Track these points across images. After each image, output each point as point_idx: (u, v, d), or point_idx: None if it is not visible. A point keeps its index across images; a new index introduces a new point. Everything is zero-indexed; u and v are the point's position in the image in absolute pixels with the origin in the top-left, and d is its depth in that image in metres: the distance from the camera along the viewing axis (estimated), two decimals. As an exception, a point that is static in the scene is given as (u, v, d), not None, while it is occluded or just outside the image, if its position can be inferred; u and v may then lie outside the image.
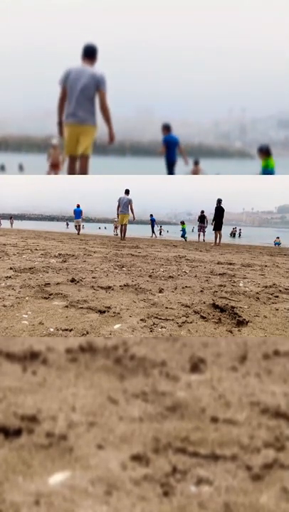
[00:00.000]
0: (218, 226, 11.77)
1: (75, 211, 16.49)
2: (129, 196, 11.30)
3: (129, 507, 0.67)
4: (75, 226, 16.80)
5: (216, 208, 11.82)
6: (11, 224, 29.49)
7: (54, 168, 9.92)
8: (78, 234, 15.77)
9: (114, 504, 0.68)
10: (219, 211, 11.77)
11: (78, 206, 16.50)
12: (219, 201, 11.78)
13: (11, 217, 32.22)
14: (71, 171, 4.58)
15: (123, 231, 11.65)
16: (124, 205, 11.26)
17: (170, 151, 7.29)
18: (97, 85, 4.25)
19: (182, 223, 17.57)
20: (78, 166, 4.47)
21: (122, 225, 11.66)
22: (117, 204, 11.37)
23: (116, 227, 23.53)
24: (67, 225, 37.02)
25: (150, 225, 20.82)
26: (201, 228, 15.49)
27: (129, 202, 11.24)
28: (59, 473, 0.74)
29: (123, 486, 0.71)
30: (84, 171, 4.54)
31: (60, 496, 0.68)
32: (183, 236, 16.56)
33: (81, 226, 16.72)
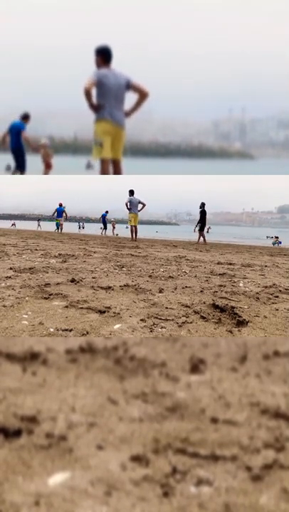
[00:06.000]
0: (201, 228, 12.61)
1: (57, 210, 17.13)
2: (136, 196, 11.58)
3: (129, 507, 0.67)
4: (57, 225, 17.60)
5: (200, 211, 12.58)
6: (11, 225, 29.50)
7: (48, 167, 9.43)
8: (60, 232, 16.37)
9: (114, 505, 0.68)
10: (203, 214, 12.57)
11: (60, 205, 17.12)
12: (203, 205, 12.58)
13: (13, 224, 32.11)
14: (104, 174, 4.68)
15: (134, 232, 11.82)
16: (135, 206, 11.54)
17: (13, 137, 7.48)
18: (127, 84, 4.31)
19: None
20: (113, 170, 4.54)
21: (132, 226, 11.83)
22: (127, 205, 11.62)
23: (113, 227, 23.68)
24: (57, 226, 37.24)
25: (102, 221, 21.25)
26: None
27: (140, 202, 11.55)
28: (59, 473, 0.74)
29: (123, 486, 0.71)
30: (120, 173, 4.64)
31: (59, 497, 0.68)
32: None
33: (63, 225, 17.65)
